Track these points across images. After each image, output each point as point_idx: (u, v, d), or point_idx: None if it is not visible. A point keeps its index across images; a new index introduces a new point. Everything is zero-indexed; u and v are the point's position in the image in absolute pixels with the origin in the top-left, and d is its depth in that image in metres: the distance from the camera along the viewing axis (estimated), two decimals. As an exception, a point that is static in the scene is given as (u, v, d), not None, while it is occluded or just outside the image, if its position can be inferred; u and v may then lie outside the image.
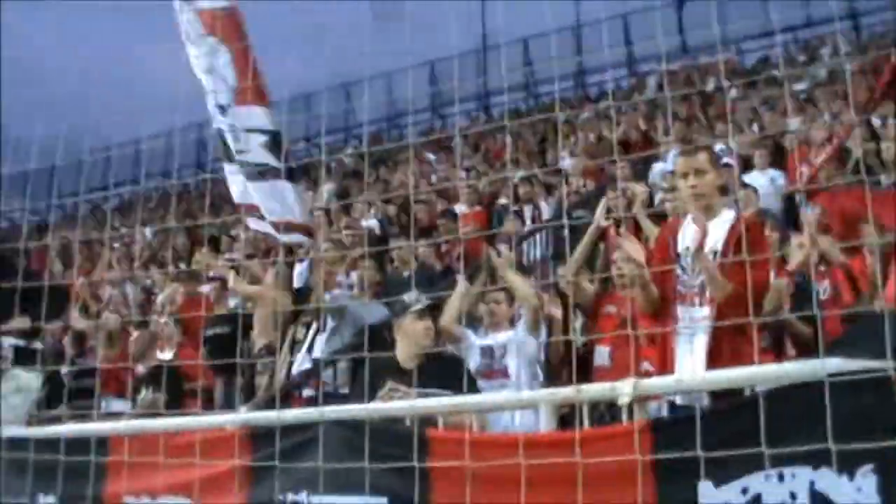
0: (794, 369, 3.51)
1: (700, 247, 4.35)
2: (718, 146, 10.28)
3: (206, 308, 10.24)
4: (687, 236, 4.56)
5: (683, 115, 14.57)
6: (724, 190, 5.01)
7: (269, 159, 6.90)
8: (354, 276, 9.35)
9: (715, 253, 4.41)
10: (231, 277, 8.84)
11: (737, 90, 15.96)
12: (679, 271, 4.50)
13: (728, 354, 4.04)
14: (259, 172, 6.99)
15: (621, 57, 25.78)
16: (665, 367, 4.35)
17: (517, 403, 4.44)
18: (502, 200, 13.17)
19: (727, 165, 10.65)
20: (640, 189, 8.21)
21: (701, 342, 4.27)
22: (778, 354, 5.70)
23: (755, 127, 13.20)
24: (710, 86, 17.17)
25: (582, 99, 24.26)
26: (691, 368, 4.10)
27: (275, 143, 6.89)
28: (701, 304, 4.41)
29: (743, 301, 3.61)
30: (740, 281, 3.86)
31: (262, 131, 6.87)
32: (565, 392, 3.92)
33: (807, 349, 5.34)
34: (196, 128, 30.92)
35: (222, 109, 6.92)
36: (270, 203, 7.01)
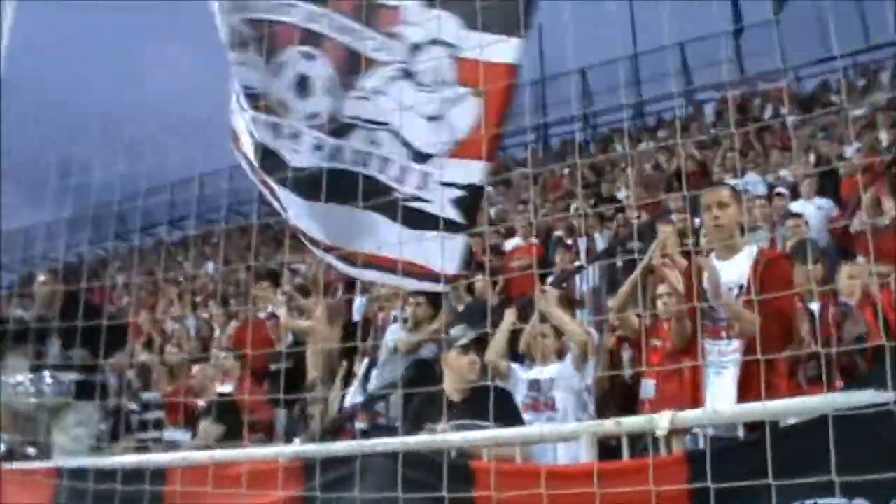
0: (825, 401, 3.54)
1: (717, 288, 4.43)
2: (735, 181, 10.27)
3: (265, 343, 10.49)
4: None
5: (740, 144, 14.53)
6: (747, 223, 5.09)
7: (453, 215, 6.05)
8: (409, 310, 9.48)
9: (741, 287, 4.48)
10: (283, 313, 9.02)
11: (795, 117, 15.88)
12: (706, 307, 4.58)
13: (758, 387, 4.10)
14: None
15: (680, 86, 25.71)
16: (697, 400, 4.41)
17: (559, 436, 4.50)
18: (558, 233, 13.23)
19: (779, 195, 10.68)
20: (668, 230, 8.18)
21: (731, 375, 4.33)
22: (828, 385, 5.70)
23: (811, 156, 13.13)
24: (768, 113, 17.11)
25: (640, 129, 24.24)
26: (722, 401, 4.15)
27: (473, 198, 6.14)
28: (729, 338, 4.47)
29: (770, 334, 3.67)
30: (765, 314, 3.92)
31: (463, 186, 6.09)
32: (605, 424, 3.99)
33: (853, 380, 5.35)
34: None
35: (420, 156, 6.20)
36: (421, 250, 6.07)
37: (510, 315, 6.67)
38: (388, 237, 6.01)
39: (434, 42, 6.13)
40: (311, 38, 6.31)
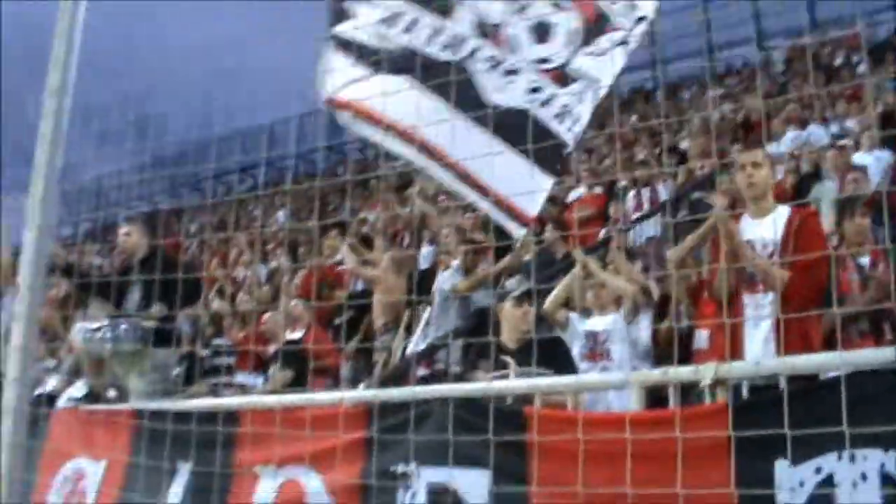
0: (867, 356, 3.66)
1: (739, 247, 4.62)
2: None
3: (334, 290, 10.77)
4: (746, 230, 4.79)
5: (807, 94, 14.32)
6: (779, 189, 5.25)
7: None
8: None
9: (775, 244, 4.64)
10: (350, 261, 9.23)
11: (865, 65, 15.59)
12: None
13: (793, 339, 4.24)
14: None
15: (750, 33, 25.34)
16: (737, 352, 4.56)
17: (607, 385, 4.68)
18: (622, 183, 13.23)
19: (842, 148, 10.59)
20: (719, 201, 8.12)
21: (767, 327, 4.49)
22: (877, 339, 5.77)
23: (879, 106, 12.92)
24: (839, 61, 16.83)
25: (710, 77, 23.94)
26: (759, 353, 4.30)
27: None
28: (765, 292, 4.65)
29: (805, 288, 3.80)
30: (800, 269, 4.06)
31: None
32: (652, 374, 4.16)
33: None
34: (325, 112, 31.84)
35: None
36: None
37: (580, 263, 6.80)
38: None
39: (642, 19, 6.32)
40: None
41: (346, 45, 6.40)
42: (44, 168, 4.35)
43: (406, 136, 6.17)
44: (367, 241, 11.14)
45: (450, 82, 5.85)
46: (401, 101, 5.88)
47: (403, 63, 6.18)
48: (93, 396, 8.16)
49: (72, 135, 4.85)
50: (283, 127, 32.39)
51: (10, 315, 4.93)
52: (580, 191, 13.14)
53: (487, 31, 6.26)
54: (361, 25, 6.36)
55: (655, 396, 4.43)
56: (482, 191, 6.10)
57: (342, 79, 6.32)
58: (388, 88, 5.84)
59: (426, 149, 6.14)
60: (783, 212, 5.00)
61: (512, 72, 6.24)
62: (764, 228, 4.95)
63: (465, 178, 6.15)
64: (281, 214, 21.73)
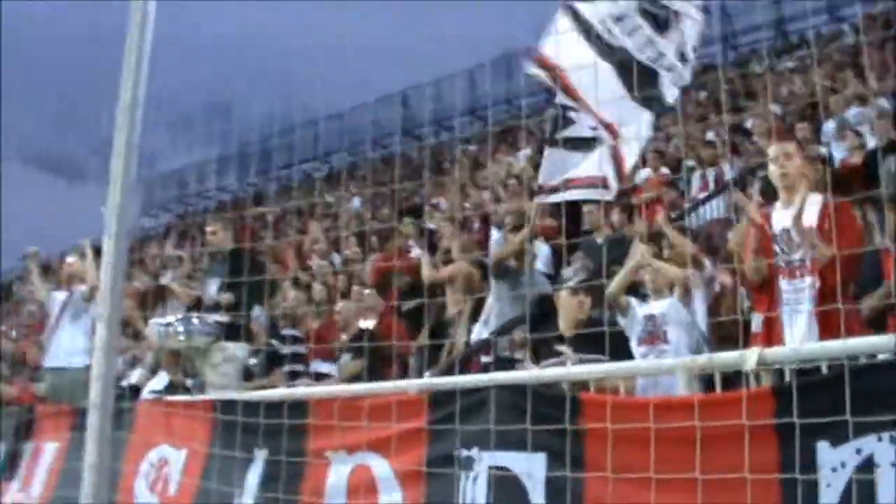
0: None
1: (798, 217, 4.79)
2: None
3: (405, 278, 10.96)
4: (780, 219, 4.97)
5: (878, 65, 14.08)
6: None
7: None
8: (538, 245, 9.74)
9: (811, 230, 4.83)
10: (425, 264, 9.40)
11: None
12: (778, 250, 4.91)
13: (831, 324, 4.37)
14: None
15: (822, 2, 24.87)
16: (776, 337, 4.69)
17: (657, 370, 4.82)
18: (689, 162, 13.18)
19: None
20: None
21: (806, 312, 4.63)
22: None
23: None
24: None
25: (781, 49, 23.60)
26: (799, 338, 4.43)
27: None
28: (803, 276, 4.83)
29: (842, 272, 3.94)
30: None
31: None
32: (699, 360, 4.30)
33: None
34: (400, 97, 32.08)
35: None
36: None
37: (637, 251, 6.92)
38: None
39: None
40: None
41: (576, 16, 7.00)
42: (119, 179, 4.62)
43: (588, 110, 6.91)
44: (432, 247, 11.18)
45: (649, 92, 6.69)
46: (600, 83, 6.35)
47: (616, 59, 6.83)
48: (173, 388, 8.52)
49: (148, 122, 5.01)
50: (359, 112, 32.66)
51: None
52: (646, 171, 13.12)
53: (685, 55, 6.95)
54: (594, 10, 6.97)
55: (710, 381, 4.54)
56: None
57: (557, 42, 6.86)
58: (594, 70, 6.25)
59: (605, 125, 6.96)
60: (816, 199, 5.23)
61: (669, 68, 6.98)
62: (796, 215, 5.18)
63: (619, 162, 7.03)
64: (356, 201, 21.97)
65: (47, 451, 8.08)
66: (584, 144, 6.99)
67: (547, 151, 7.28)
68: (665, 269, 6.77)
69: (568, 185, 7.07)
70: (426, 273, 9.32)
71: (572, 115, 6.93)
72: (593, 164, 6.97)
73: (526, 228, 8.18)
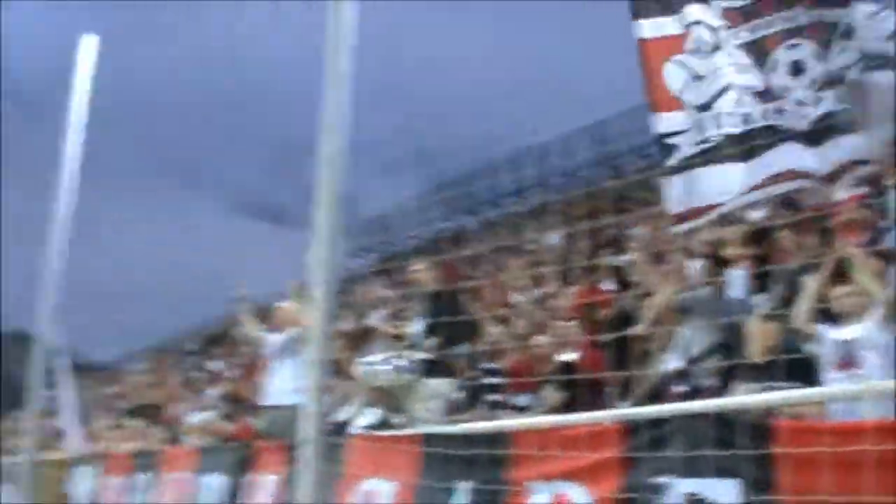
0: None
1: None
2: None
3: (605, 310, 11.02)
4: None
5: None
6: None
7: None
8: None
9: None
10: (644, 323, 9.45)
11: None
12: None
13: None
14: None
15: None
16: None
17: (845, 395, 4.79)
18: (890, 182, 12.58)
19: None
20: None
21: None
22: None
23: None
24: None
25: None
26: None
27: None
28: None
29: None
30: None
31: None
32: (889, 384, 4.28)
33: None
34: (599, 125, 31.96)
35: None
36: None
37: (817, 278, 6.77)
38: None
39: None
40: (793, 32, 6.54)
41: None
42: (324, 231, 5.04)
43: None
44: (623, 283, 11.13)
45: None
46: None
47: None
48: (381, 423, 8.93)
49: (354, 168, 5.29)
50: (553, 146, 32.74)
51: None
52: (840, 191, 12.59)
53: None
54: None
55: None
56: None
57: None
58: None
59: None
60: None
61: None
62: None
63: None
64: (554, 236, 22.04)
65: (267, 483, 8.64)
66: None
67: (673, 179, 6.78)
68: (869, 285, 6.54)
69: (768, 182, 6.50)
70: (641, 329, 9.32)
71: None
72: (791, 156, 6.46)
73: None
